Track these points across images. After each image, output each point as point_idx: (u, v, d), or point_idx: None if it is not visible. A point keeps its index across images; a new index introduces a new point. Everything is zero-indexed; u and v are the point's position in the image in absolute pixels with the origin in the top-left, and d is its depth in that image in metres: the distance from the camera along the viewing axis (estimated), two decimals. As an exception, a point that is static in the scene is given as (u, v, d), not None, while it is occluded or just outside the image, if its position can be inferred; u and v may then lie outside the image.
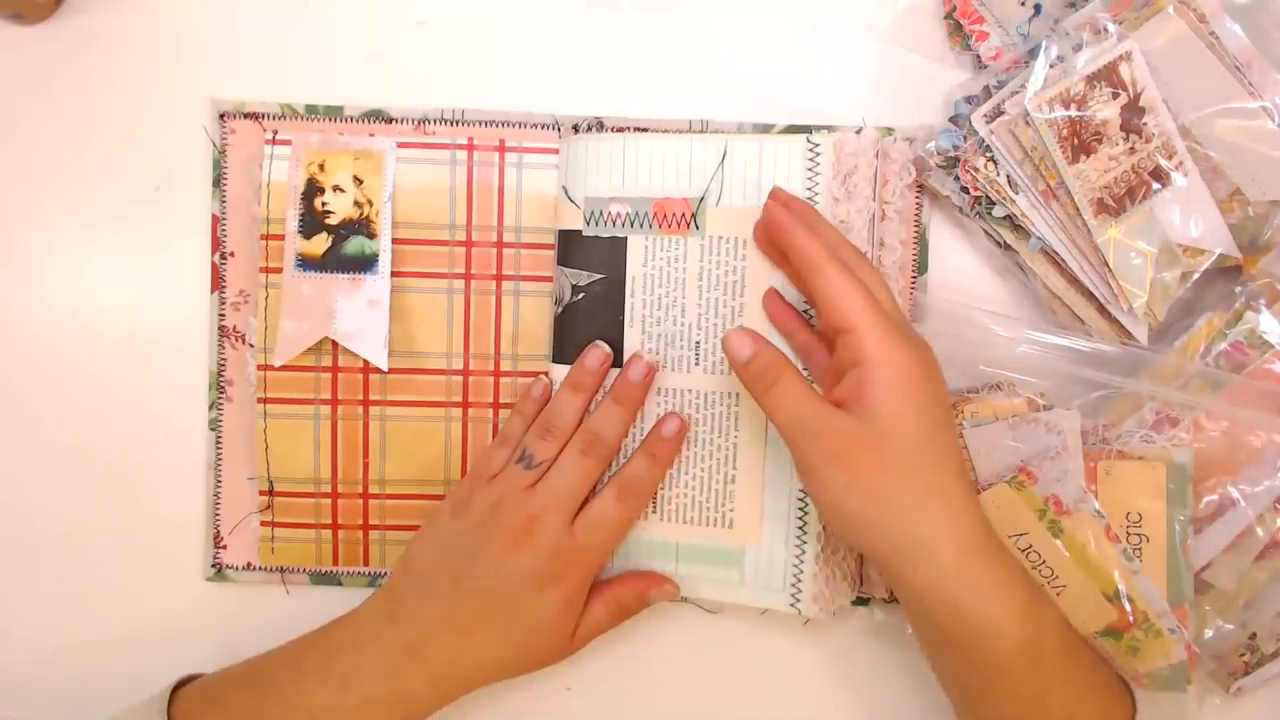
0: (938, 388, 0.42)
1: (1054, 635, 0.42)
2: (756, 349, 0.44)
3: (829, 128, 0.53)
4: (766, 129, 0.54)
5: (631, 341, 0.51)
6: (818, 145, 0.50)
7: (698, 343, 0.51)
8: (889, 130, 0.53)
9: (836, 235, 0.46)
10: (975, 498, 0.42)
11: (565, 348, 0.53)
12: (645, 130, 0.54)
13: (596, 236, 0.52)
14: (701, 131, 0.53)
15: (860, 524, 0.41)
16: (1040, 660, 0.41)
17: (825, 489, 0.42)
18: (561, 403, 0.50)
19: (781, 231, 0.45)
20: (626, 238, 0.52)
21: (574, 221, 0.52)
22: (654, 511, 0.52)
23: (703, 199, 0.51)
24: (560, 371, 0.52)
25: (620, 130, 0.54)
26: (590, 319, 0.52)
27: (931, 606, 0.41)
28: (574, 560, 0.48)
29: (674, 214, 0.51)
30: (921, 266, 0.54)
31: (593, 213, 0.52)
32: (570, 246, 0.52)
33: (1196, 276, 0.50)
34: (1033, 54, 0.50)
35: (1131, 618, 0.48)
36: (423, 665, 0.47)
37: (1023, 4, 0.52)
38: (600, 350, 0.51)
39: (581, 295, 0.52)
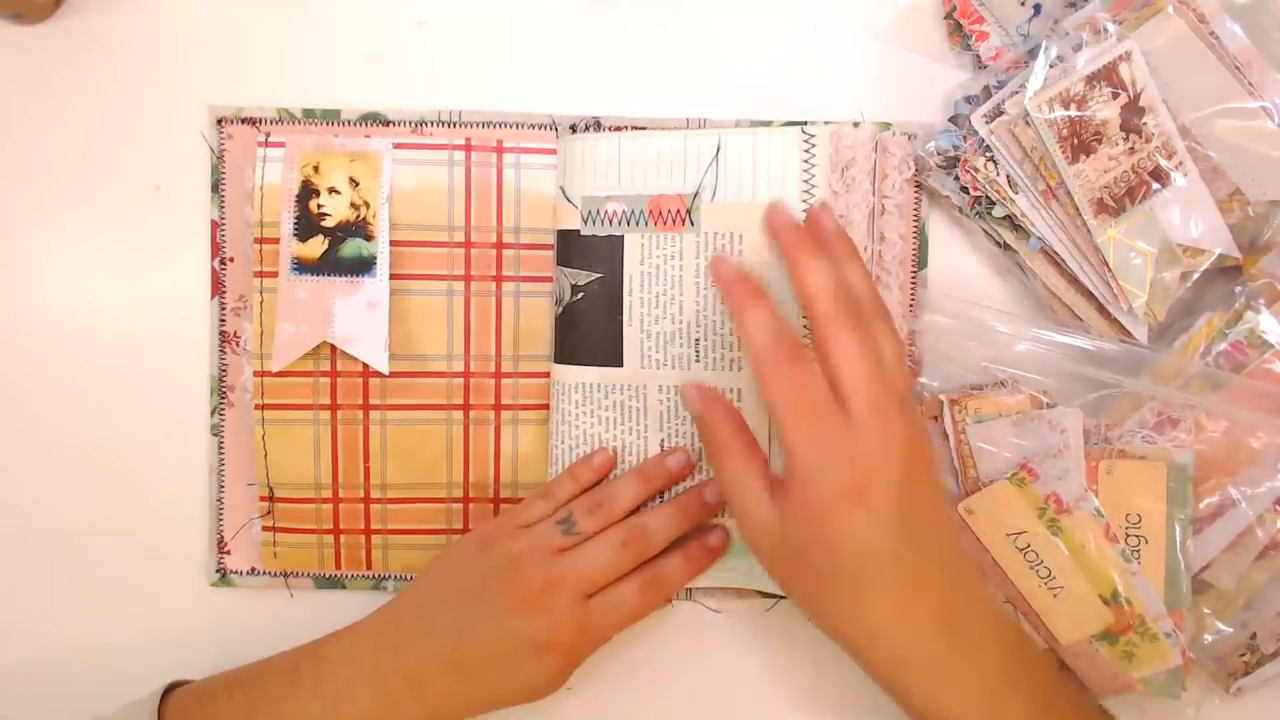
0: (912, 472, 0.41)
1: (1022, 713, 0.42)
2: (705, 406, 0.45)
3: (830, 124, 0.53)
4: (765, 125, 0.54)
5: (631, 340, 0.51)
6: (813, 136, 0.50)
7: (697, 340, 0.51)
8: (887, 125, 0.53)
9: (857, 274, 0.44)
10: (924, 608, 0.41)
11: (566, 348, 0.53)
12: (643, 129, 0.53)
13: (594, 236, 0.52)
14: (697, 128, 0.53)
15: (807, 610, 0.44)
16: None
17: (768, 568, 0.44)
18: (623, 486, 0.50)
19: (790, 254, 0.43)
20: (623, 236, 0.51)
21: (572, 221, 0.52)
22: None
23: (697, 195, 0.51)
24: (561, 371, 0.52)
25: (618, 129, 0.54)
26: (590, 318, 0.52)
27: (899, 693, 0.42)
28: (579, 636, 0.47)
29: (669, 211, 0.51)
30: (921, 261, 0.54)
31: (590, 212, 0.52)
32: (569, 246, 0.52)
33: (1196, 276, 0.50)
34: (1033, 54, 0.50)
35: (1129, 620, 0.49)
36: (418, 697, 0.47)
37: (1023, 4, 0.52)
38: (683, 455, 0.51)
39: (581, 295, 0.52)
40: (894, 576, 0.41)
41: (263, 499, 0.53)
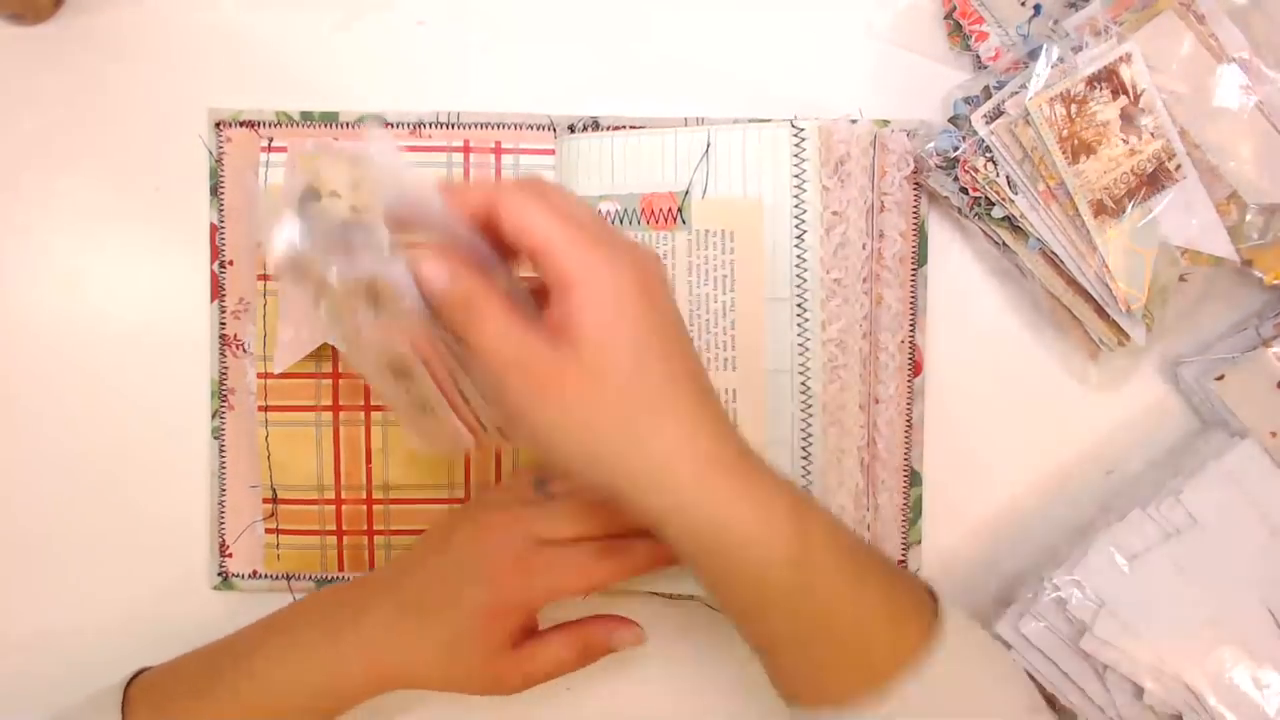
0: (655, 299, 0.38)
1: (824, 542, 0.39)
2: (454, 275, 0.37)
3: (818, 119, 0.53)
4: (756, 123, 0.53)
5: None
6: (802, 131, 0.50)
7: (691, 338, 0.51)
8: (885, 122, 0.53)
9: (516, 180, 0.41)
10: (717, 412, 0.39)
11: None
12: (640, 129, 0.53)
13: None
14: (694, 127, 0.53)
15: (584, 461, 0.37)
16: (813, 570, 0.39)
17: (538, 429, 0.37)
18: None
19: (456, 201, 0.38)
20: None
21: (570, 222, 0.52)
22: None
23: (687, 192, 0.51)
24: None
25: (616, 129, 0.53)
26: (589, 319, 0.52)
27: (683, 532, 0.38)
28: (517, 575, 0.45)
29: (660, 209, 0.51)
30: (921, 258, 0.54)
31: None
32: (567, 247, 0.52)
33: (1194, 278, 0.50)
34: (1033, 54, 0.50)
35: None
36: (358, 629, 0.46)
37: (1023, 4, 0.52)
38: None
39: (579, 295, 0.52)
40: (705, 390, 0.39)
41: (266, 501, 0.54)
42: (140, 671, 0.48)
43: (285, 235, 0.38)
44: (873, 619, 0.40)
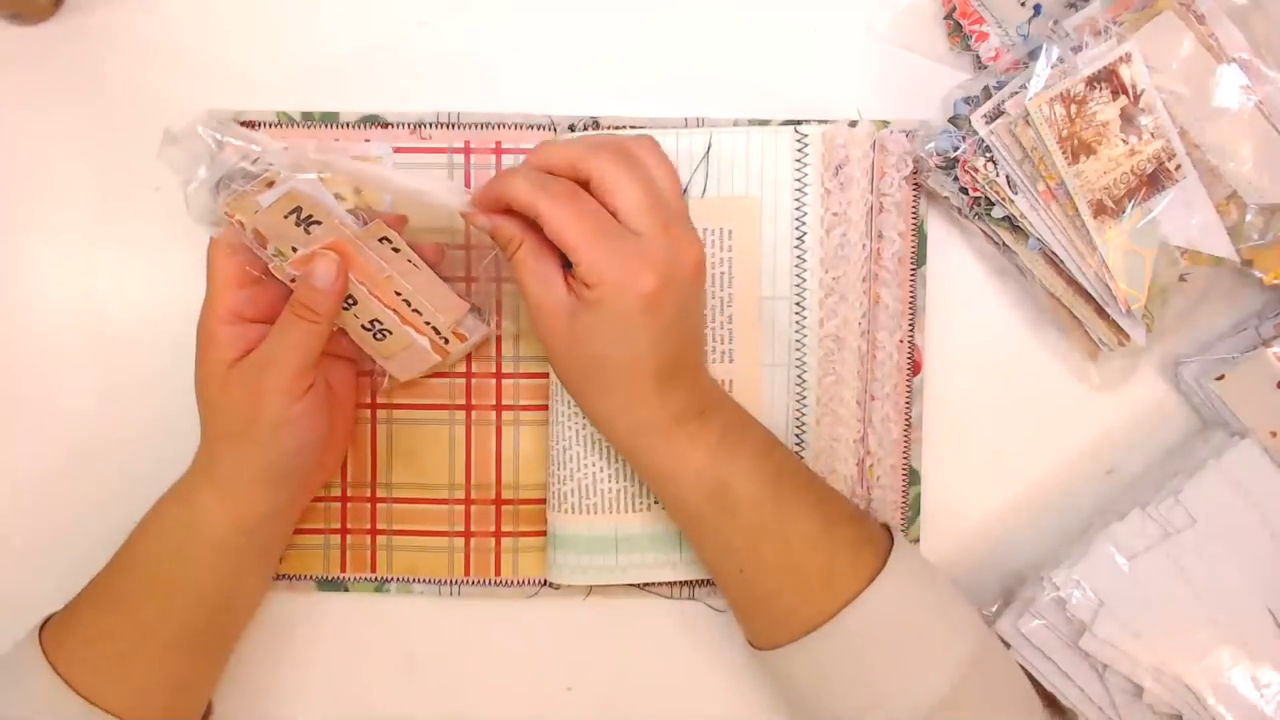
0: (654, 319, 0.43)
1: (746, 483, 0.45)
2: (492, 224, 0.45)
3: (824, 123, 0.53)
4: (763, 125, 0.53)
5: None
6: (806, 136, 0.50)
7: None
8: (884, 123, 0.53)
9: (543, 176, 0.45)
10: (670, 392, 0.45)
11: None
12: (641, 130, 0.53)
13: None
14: (694, 128, 0.53)
15: (570, 389, 0.47)
16: (737, 508, 0.45)
17: (548, 353, 0.46)
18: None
19: (490, 197, 0.45)
20: None
21: (570, 221, 0.52)
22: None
23: (686, 191, 0.51)
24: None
25: (617, 130, 0.54)
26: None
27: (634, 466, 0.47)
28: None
29: None
30: (920, 259, 0.54)
31: None
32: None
33: (1194, 278, 0.50)
34: (1033, 55, 0.50)
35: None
36: (211, 480, 0.47)
37: (1023, 4, 0.52)
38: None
39: (578, 295, 0.52)
40: (663, 375, 0.45)
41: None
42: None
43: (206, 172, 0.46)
44: (809, 554, 0.45)
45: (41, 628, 0.47)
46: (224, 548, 0.47)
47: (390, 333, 0.49)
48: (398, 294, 0.48)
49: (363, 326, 0.48)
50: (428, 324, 0.49)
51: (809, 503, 0.47)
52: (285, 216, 0.45)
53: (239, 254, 0.46)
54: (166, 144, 0.45)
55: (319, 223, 0.45)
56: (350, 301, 0.47)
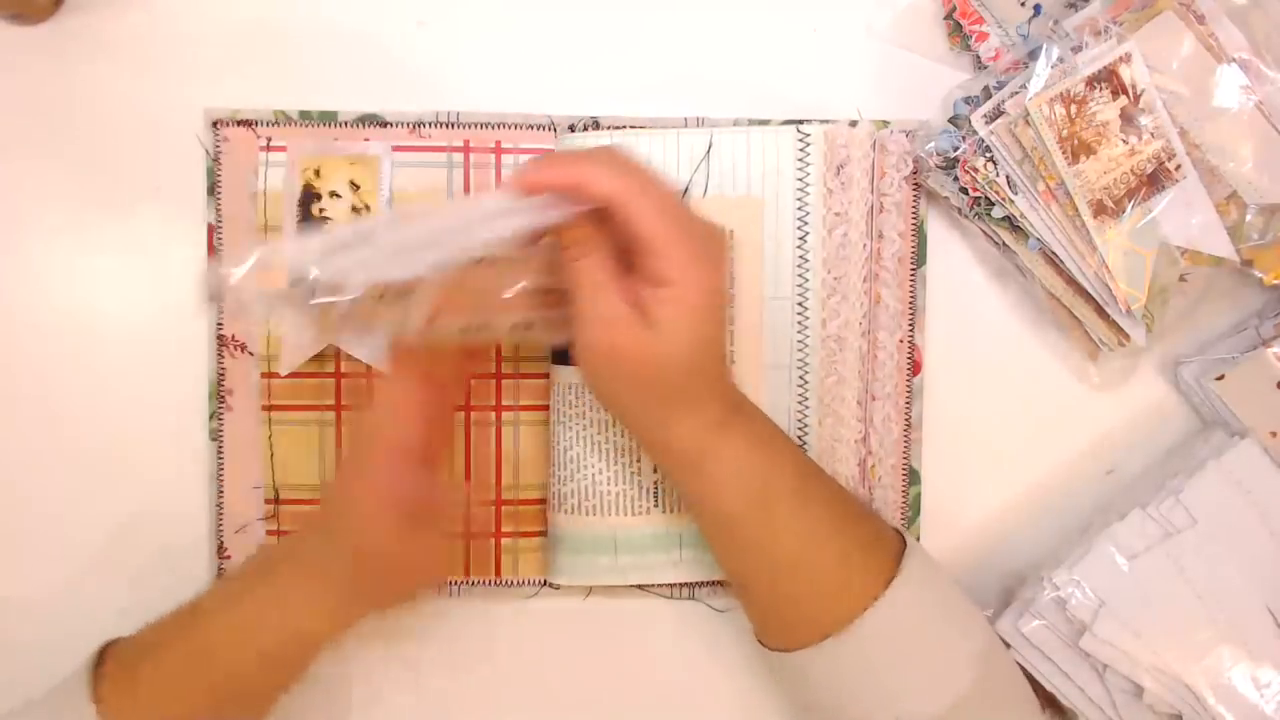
0: (718, 311, 0.44)
1: (782, 481, 0.45)
2: (573, 217, 0.43)
3: (826, 123, 0.53)
4: (763, 125, 0.53)
5: None
6: (808, 136, 0.50)
7: None
8: (885, 123, 0.53)
9: (621, 156, 0.44)
10: (722, 398, 0.45)
11: (564, 349, 0.53)
12: (641, 129, 0.53)
13: None
14: (695, 127, 0.53)
15: (618, 411, 0.46)
16: (773, 507, 0.45)
17: (591, 369, 0.44)
18: None
19: (540, 182, 0.43)
20: None
21: (569, 221, 0.52)
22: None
23: (687, 191, 0.51)
24: (561, 372, 0.52)
25: (617, 129, 0.53)
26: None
27: (677, 481, 0.46)
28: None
29: None
30: (920, 259, 0.54)
31: None
32: (566, 247, 0.53)
33: (1194, 278, 0.50)
34: (1033, 55, 0.50)
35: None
36: (294, 560, 0.47)
37: (1023, 4, 0.52)
38: None
39: (577, 295, 0.52)
40: (721, 372, 0.45)
41: (268, 502, 0.54)
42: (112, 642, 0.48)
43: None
44: (831, 555, 0.45)
45: (98, 660, 0.47)
46: (312, 656, 0.48)
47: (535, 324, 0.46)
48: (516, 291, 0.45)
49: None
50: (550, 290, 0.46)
51: (831, 501, 0.47)
52: (378, 300, 0.42)
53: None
54: (209, 300, 0.44)
55: (410, 291, 0.42)
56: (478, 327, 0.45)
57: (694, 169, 0.51)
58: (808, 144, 0.50)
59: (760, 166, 0.51)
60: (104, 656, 0.47)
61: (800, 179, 0.51)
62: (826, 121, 0.52)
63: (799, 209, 0.52)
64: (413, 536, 0.46)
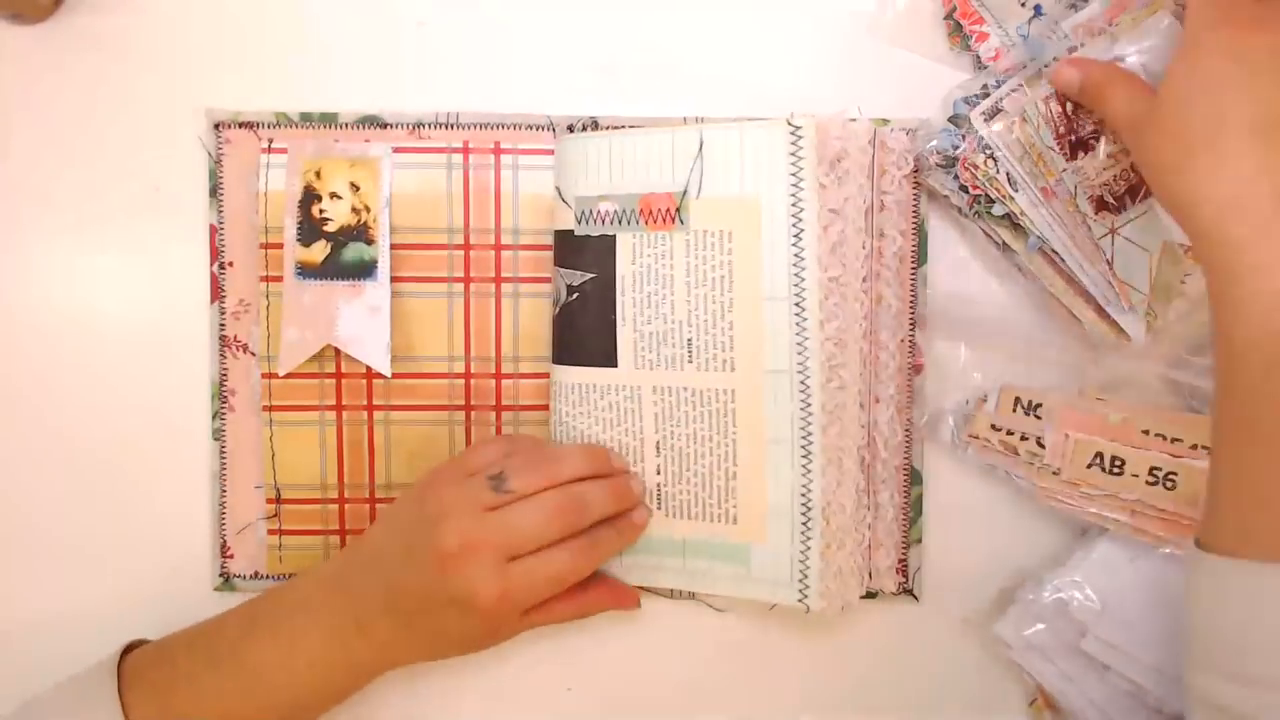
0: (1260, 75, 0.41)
1: None
2: (1083, 71, 0.47)
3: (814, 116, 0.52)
4: (755, 120, 0.53)
5: (625, 341, 0.52)
6: (799, 129, 0.49)
7: (689, 340, 0.51)
8: (885, 121, 0.53)
9: None
10: None
11: (563, 349, 0.53)
12: (639, 129, 0.53)
13: (587, 236, 0.52)
14: (683, 124, 0.53)
15: (1176, 201, 0.42)
16: None
17: (1149, 169, 0.44)
18: (568, 455, 0.50)
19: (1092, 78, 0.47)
20: (615, 236, 0.52)
21: (567, 221, 0.52)
22: (659, 508, 0.52)
23: (684, 192, 0.51)
24: (561, 372, 0.52)
25: (616, 129, 0.53)
26: (585, 319, 0.52)
27: (1260, 263, 0.39)
28: (501, 601, 0.46)
29: (659, 209, 0.51)
30: (921, 258, 0.54)
31: (583, 212, 0.52)
32: (564, 247, 0.52)
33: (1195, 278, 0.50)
34: (1032, 55, 0.50)
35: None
36: (368, 639, 0.47)
37: (1023, 5, 0.52)
38: (638, 481, 0.52)
39: (576, 295, 0.52)
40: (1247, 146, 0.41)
41: (269, 501, 0.54)
42: (130, 647, 0.49)
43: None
44: None
45: (123, 657, 0.47)
46: (360, 685, 0.49)
47: None
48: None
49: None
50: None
51: None
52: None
53: None
54: None
55: None
56: None
57: (688, 169, 0.51)
58: (799, 137, 0.50)
59: (754, 163, 0.50)
60: (125, 668, 0.47)
61: (793, 173, 0.50)
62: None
63: (793, 205, 0.50)
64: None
